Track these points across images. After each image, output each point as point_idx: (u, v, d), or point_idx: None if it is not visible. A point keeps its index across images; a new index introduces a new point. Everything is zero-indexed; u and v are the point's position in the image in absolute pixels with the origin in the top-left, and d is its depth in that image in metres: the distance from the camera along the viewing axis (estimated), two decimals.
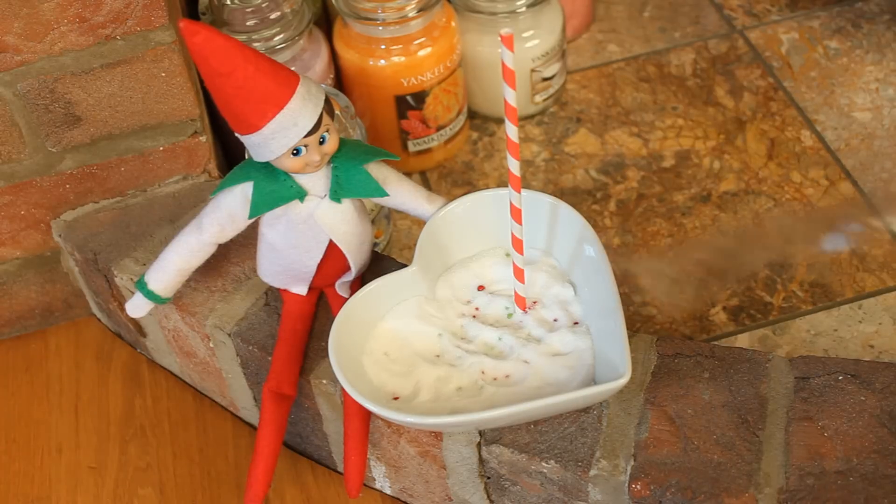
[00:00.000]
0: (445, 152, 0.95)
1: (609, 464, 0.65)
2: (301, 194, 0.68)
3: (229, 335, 0.76)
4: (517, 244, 0.69)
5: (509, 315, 0.72)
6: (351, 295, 0.70)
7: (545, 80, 0.97)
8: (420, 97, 0.89)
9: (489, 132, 0.98)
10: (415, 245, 0.72)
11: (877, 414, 0.66)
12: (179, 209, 0.84)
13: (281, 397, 0.72)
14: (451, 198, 0.74)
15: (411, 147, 0.93)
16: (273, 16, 0.85)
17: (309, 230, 0.70)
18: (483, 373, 0.69)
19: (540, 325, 0.70)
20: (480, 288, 0.74)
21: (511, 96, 0.63)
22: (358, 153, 0.70)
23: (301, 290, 0.74)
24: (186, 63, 0.80)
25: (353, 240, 0.71)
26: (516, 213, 0.67)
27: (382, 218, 0.86)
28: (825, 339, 0.80)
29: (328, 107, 0.66)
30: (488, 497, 0.72)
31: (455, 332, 0.71)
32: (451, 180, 0.94)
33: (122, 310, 0.82)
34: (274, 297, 0.77)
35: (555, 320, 0.71)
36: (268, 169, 0.68)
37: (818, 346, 0.79)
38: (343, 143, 0.69)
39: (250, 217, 0.69)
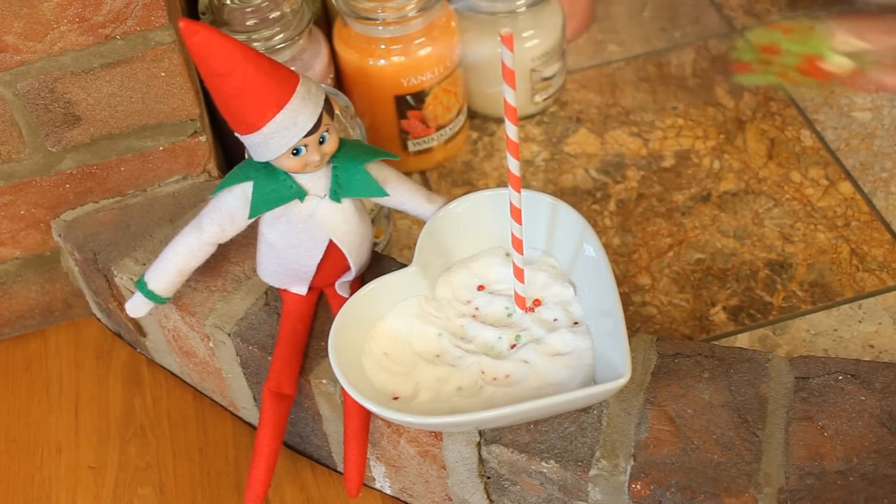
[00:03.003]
0: (445, 152, 0.95)
1: (609, 464, 0.65)
2: (301, 194, 0.68)
3: (229, 335, 0.76)
4: (517, 244, 0.69)
5: (509, 315, 0.72)
6: (351, 295, 0.70)
7: (545, 79, 0.97)
8: (420, 97, 0.89)
9: (489, 132, 0.98)
10: (415, 245, 0.72)
11: (877, 414, 0.66)
12: (179, 209, 0.84)
13: (281, 397, 0.72)
14: (451, 198, 0.74)
15: (411, 147, 0.93)
16: (273, 15, 0.85)
17: (309, 230, 0.70)
18: (483, 373, 0.69)
19: (540, 324, 0.70)
20: (480, 288, 0.73)
21: (511, 96, 0.62)
22: (358, 153, 0.70)
23: (301, 290, 0.74)
24: (186, 63, 0.80)
25: (353, 240, 0.71)
26: (516, 213, 0.67)
27: (382, 218, 0.86)
28: (825, 338, 0.80)
29: (328, 107, 0.66)
30: (488, 497, 0.72)
31: (455, 332, 0.71)
32: (451, 180, 0.94)
33: (122, 310, 0.82)
34: (274, 297, 0.77)
35: (555, 320, 0.71)
36: (268, 169, 0.68)
37: (818, 345, 0.79)
38: (343, 143, 0.69)
39: (250, 217, 0.69)
